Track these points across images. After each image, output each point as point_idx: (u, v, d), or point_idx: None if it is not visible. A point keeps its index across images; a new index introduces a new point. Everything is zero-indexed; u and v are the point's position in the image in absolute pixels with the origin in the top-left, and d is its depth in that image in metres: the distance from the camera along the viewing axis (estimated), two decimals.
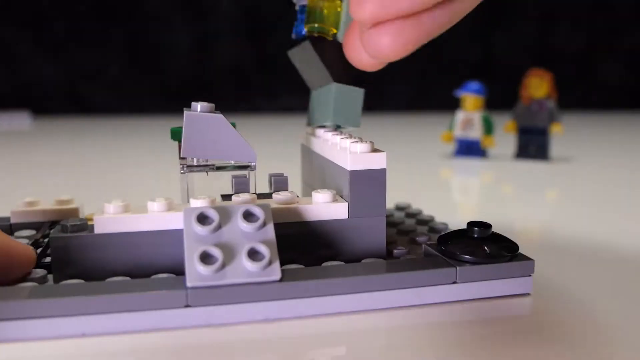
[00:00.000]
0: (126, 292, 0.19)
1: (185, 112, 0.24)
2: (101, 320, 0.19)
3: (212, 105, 0.25)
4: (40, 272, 0.22)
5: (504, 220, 0.37)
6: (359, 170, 0.23)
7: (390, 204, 0.31)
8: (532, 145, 0.63)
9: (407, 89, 1.28)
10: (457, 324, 0.20)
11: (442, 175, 0.59)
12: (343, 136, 0.25)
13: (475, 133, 0.64)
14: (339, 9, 0.26)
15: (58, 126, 1.07)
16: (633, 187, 0.50)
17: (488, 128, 0.64)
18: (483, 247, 0.22)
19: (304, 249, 0.23)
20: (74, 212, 0.30)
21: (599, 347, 0.19)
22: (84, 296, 0.19)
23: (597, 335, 0.20)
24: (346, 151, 0.24)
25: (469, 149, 0.65)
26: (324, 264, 0.22)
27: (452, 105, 0.67)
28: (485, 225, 0.23)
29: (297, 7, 0.27)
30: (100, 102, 1.20)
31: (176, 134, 0.26)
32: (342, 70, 0.27)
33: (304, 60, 0.29)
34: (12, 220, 0.29)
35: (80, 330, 0.19)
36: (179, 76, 1.23)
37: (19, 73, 1.19)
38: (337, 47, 0.24)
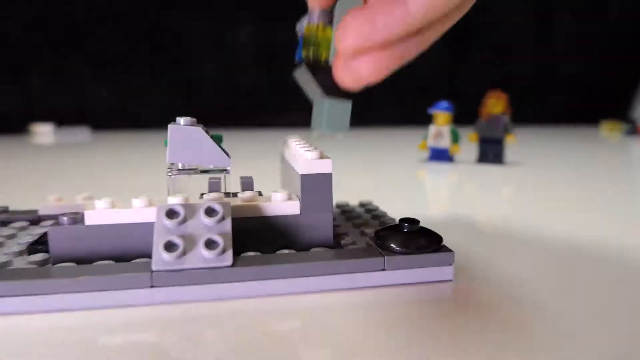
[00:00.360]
0: (103, 274, 0.18)
1: (170, 125, 0.23)
2: (83, 297, 0.18)
3: (194, 119, 0.24)
4: (41, 256, 0.21)
5: (467, 212, 0.35)
6: (309, 174, 0.22)
7: (374, 199, 0.29)
8: (491, 152, 0.63)
9: (392, 108, 1.27)
10: (384, 304, 0.19)
11: (418, 176, 0.58)
12: (302, 145, 0.24)
13: (445, 142, 0.64)
14: (329, 38, 0.26)
15: (112, 139, 1.06)
16: (573, 186, 0.49)
17: (455, 138, 0.64)
18: (411, 239, 0.21)
19: (263, 239, 0.22)
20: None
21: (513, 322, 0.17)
22: (69, 278, 0.18)
23: (516, 312, 0.18)
24: (299, 158, 0.22)
25: (440, 155, 0.65)
26: (276, 252, 0.21)
27: (426, 120, 0.67)
28: (413, 221, 0.22)
29: (298, 35, 0.27)
30: (146, 119, 1.20)
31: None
32: (333, 87, 0.27)
33: (304, 80, 0.29)
34: (41, 212, 0.28)
35: (68, 305, 0.18)
36: (207, 97, 1.22)
37: (80, 95, 1.19)
38: (329, 68, 0.24)
